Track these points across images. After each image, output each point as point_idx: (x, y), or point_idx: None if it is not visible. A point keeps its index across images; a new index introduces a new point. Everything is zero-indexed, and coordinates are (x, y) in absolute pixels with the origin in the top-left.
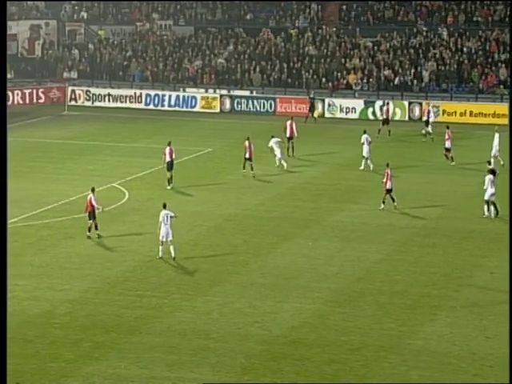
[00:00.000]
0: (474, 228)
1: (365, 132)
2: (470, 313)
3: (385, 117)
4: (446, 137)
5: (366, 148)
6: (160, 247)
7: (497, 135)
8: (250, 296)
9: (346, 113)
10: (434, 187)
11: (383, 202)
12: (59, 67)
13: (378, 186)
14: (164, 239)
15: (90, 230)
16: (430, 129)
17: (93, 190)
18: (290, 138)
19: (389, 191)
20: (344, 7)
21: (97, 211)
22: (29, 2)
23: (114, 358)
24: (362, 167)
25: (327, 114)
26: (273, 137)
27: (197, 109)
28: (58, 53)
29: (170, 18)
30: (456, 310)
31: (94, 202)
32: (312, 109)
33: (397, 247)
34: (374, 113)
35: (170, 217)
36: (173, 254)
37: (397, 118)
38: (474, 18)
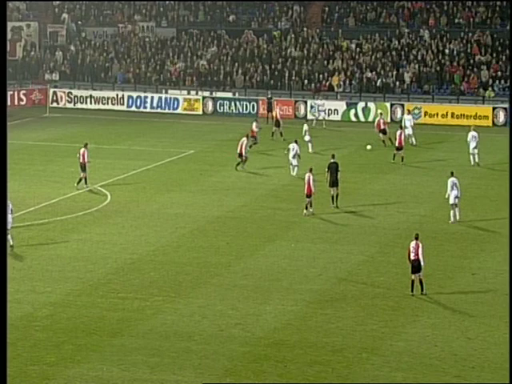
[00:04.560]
0: (457, 230)
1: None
2: (451, 314)
3: (377, 129)
4: (398, 135)
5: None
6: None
7: (471, 134)
8: (233, 298)
9: (329, 114)
10: (417, 189)
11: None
12: (41, 69)
13: (360, 188)
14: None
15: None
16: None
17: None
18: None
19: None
20: (326, 9)
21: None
22: (10, 4)
23: (96, 361)
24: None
25: (310, 116)
26: (295, 141)
27: (179, 110)
28: (40, 54)
29: (152, 19)
30: (437, 312)
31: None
32: (270, 109)
33: (379, 249)
34: (356, 115)
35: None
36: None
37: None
38: (456, 20)
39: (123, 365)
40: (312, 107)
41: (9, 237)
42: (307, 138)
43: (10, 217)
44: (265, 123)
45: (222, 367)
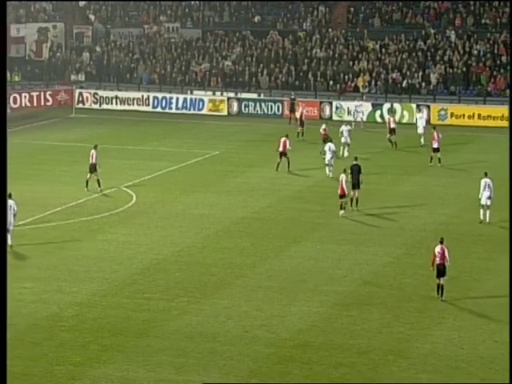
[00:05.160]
0: (483, 231)
1: (331, 140)
2: (477, 316)
3: (390, 127)
4: (434, 137)
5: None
6: None
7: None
8: (258, 299)
9: (354, 115)
10: (443, 190)
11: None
12: (67, 70)
13: (385, 189)
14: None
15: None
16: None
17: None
18: (284, 154)
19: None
20: (352, 9)
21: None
22: (36, 5)
23: (122, 361)
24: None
25: (335, 117)
26: (331, 141)
27: (204, 111)
28: (66, 55)
29: (177, 20)
30: (464, 314)
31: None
32: (293, 109)
33: (405, 250)
34: (381, 115)
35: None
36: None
37: (404, 120)
38: (483, 21)
39: (149, 365)
40: (337, 108)
41: (8, 236)
42: (344, 139)
43: (11, 217)
44: (287, 124)
45: (247, 368)
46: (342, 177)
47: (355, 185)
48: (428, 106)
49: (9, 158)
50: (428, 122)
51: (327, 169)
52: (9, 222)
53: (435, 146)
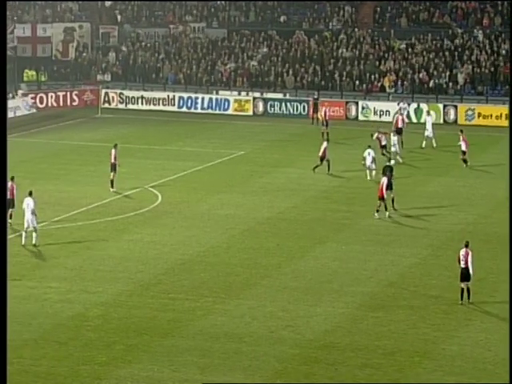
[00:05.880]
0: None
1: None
2: (505, 319)
3: (397, 127)
4: (461, 139)
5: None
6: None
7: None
8: (283, 299)
9: (380, 115)
10: (470, 191)
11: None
12: (93, 70)
13: (412, 190)
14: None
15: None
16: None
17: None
18: (324, 159)
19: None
20: (378, 9)
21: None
22: (63, 5)
23: (147, 361)
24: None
25: (361, 117)
26: (369, 147)
27: (230, 111)
28: (92, 55)
29: (203, 20)
30: (491, 316)
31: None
32: (316, 110)
33: (432, 251)
34: (408, 116)
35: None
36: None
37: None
38: (510, 20)
39: (174, 365)
40: (363, 108)
41: (34, 235)
42: (393, 148)
43: (28, 214)
44: (310, 124)
45: (272, 369)
46: (384, 180)
47: (388, 186)
48: (455, 106)
49: (36, 157)
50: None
51: (367, 172)
52: (27, 220)
53: (464, 148)
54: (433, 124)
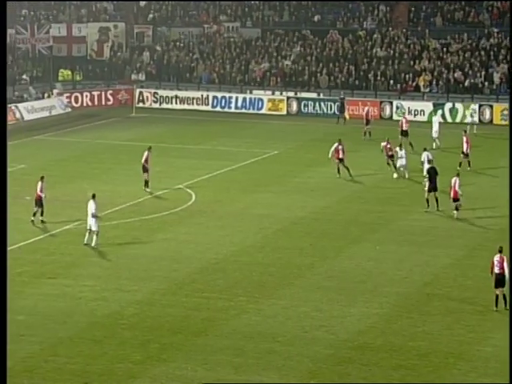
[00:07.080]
0: None
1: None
2: None
3: (401, 129)
4: (464, 141)
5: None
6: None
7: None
8: (317, 299)
9: (415, 115)
10: (505, 191)
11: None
12: (127, 69)
13: (447, 190)
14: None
15: (34, 215)
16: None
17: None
18: (341, 160)
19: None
20: (413, 8)
21: (43, 200)
22: (98, 5)
23: (181, 360)
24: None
25: (395, 117)
26: (425, 149)
27: (263, 111)
28: (126, 55)
29: (237, 19)
30: None
31: (39, 191)
32: (342, 109)
33: (467, 252)
34: (443, 115)
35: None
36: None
37: (467, 120)
38: None
39: (207, 364)
40: (398, 108)
41: (94, 237)
42: (399, 162)
43: (89, 217)
44: (335, 124)
45: (306, 369)
46: (455, 180)
47: (433, 188)
48: (491, 106)
49: (71, 156)
50: (491, 121)
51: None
52: (89, 224)
53: (466, 150)
54: (439, 123)
